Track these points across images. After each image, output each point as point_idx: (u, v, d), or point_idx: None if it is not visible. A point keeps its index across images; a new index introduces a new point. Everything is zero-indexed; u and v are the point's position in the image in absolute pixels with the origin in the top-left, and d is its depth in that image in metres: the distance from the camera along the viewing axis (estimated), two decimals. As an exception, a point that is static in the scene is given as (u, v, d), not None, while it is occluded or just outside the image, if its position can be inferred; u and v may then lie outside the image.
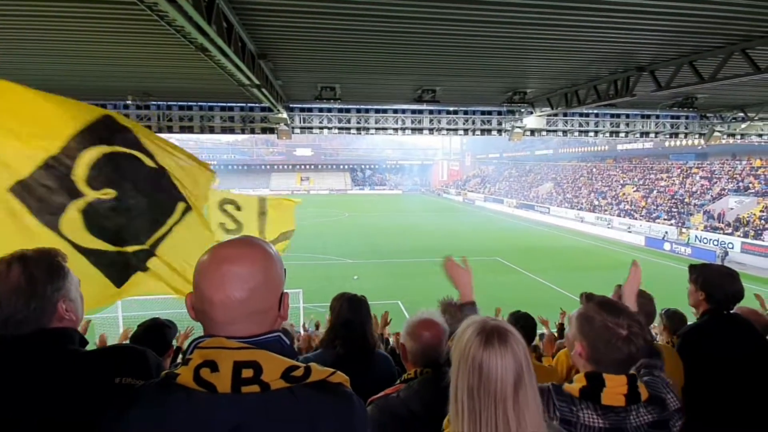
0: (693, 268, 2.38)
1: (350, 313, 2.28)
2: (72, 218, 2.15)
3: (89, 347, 1.32)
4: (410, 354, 1.77)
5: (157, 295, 2.43)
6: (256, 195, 5.15)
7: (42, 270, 1.19)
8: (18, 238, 1.95)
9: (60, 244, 2.06)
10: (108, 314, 11.37)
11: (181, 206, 2.52)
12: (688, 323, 3.28)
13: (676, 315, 3.29)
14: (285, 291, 1.02)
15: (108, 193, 2.24)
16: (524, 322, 2.99)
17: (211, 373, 0.88)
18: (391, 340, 5.25)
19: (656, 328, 3.33)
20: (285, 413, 0.90)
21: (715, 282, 2.27)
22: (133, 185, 2.33)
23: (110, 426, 0.91)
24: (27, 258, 1.20)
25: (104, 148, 2.26)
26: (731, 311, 2.31)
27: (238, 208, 4.50)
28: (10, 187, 2.00)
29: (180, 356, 4.63)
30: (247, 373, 0.89)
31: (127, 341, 2.56)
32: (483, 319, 1.16)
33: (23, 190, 2.03)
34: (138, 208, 2.34)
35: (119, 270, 2.30)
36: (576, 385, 1.36)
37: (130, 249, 2.33)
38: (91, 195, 2.20)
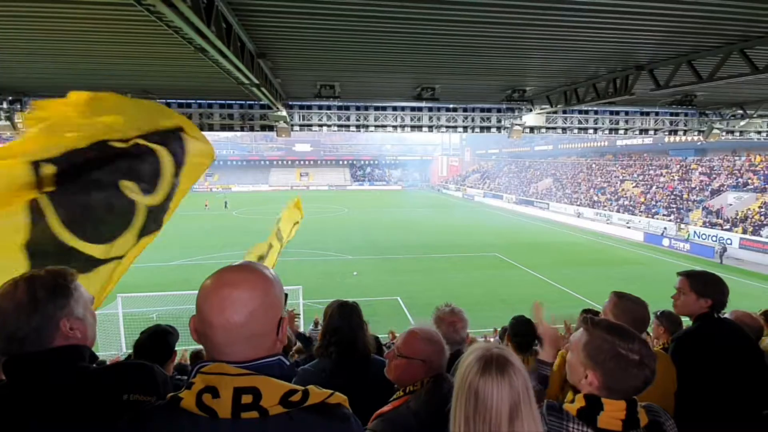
0: (692, 278, 2.35)
1: (340, 319, 2.28)
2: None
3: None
4: (432, 369, 1.74)
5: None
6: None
7: (46, 289, 1.22)
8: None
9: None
10: (108, 311, 11.43)
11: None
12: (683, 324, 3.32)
13: (672, 316, 3.30)
14: (283, 316, 1.05)
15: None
16: (522, 329, 3.01)
17: (212, 399, 0.92)
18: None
19: (648, 336, 3.34)
20: None
21: (719, 288, 2.30)
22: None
23: None
24: (34, 278, 1.24)
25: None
26: (723, 316, 2.35)
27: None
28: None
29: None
30: (246, 399, 0.92)
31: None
32: (487, 346, 1.17)
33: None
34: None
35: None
36: (575, 405, 1.36)
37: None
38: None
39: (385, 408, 1.69)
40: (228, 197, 50.66)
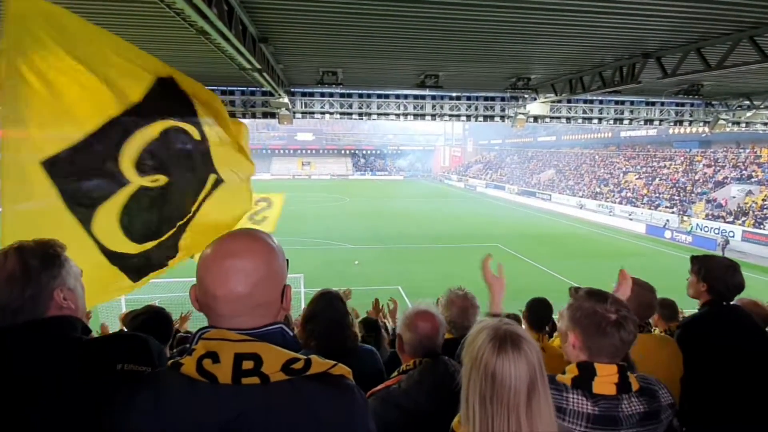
0: (695, 260, 2.37)
1: (318, 308, 2.17)
2: (107, 215, 2.00)
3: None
4: (408, 345, 1.78)
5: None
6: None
7: (37, 259, 1.20)
8: (52, 230, 1.73)
9: (87, 244, 1.97)
10: (110, 297, 11.50)
11: (212, 178, 2.47)
12: (679, 312, 3.32)
13: (665, 302, 3.30)
14: (287, 283, 1.04)
15: (157, 180, 2.11)
16: (538, 307, 3.02)
17: (212, 364, 0.91)
18: (389, 324, 5.14)
19: (654, 318, 3.35)
20: (285, 405, 0.92)
21: (718, 274, 2.27)
22: (180, 166, 2.23)
23: (116, 412, 0.94)
24: (23, 248, 1.21)
25: (160, 125, 2.12)
26: (732, 303, 2.32)
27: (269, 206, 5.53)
28: (42, 161, 1.82)
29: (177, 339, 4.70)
30: (247, 365, 0.91)
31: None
32: (496, 323, 1.15)
33: (55, 166, 1.85)
34: (180, 190, 2.25)
35: (138, 269, 2.26)
36: (568, 375, 1.38)
37: (154, 243, 2.22)
38: (137, 182, 2.05)
39: (378, 387, 1.71)
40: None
